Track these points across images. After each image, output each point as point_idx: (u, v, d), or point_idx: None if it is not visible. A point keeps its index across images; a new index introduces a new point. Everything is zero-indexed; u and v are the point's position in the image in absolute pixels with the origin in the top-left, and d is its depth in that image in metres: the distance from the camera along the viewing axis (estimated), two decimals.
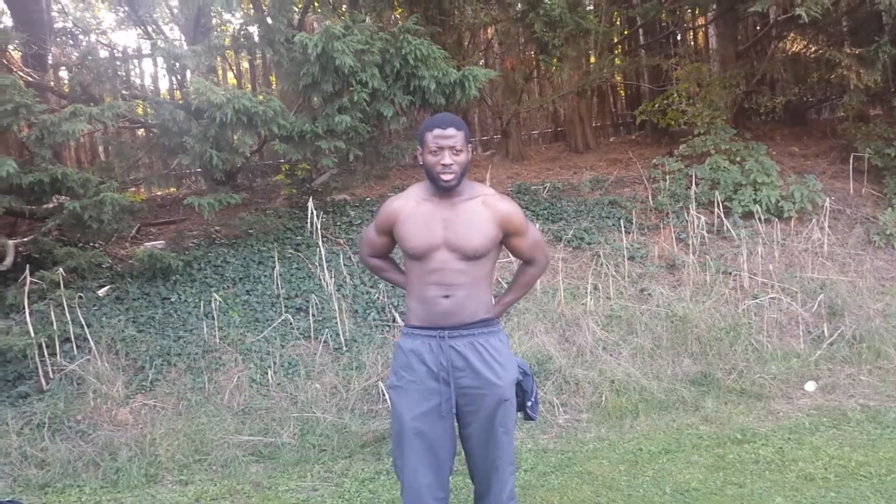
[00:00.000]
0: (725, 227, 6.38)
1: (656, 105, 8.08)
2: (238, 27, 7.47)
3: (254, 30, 6.64)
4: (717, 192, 6.57)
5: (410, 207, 2.83)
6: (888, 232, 6.56)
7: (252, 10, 7.68)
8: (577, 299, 5.65)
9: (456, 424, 2.90)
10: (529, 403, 3.05)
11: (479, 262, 2.79)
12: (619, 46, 9.05)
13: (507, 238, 2.86)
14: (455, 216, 2.77)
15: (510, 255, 3.09)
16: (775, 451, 4.20)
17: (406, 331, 2.88)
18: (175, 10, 7.17)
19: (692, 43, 9.58)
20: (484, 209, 2.79)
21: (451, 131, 2.73)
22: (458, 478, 3.88)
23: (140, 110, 7.26)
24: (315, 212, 5.69)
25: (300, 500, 3.93)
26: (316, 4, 7.54)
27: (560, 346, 5.25)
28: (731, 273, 6.03)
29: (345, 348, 5.21)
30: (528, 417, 3.10)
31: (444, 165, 2.72)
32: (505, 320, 5.42)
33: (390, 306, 5.54)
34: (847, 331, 5.53)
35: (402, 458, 2.81)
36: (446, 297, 2.77)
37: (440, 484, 2.82)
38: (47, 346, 4.80)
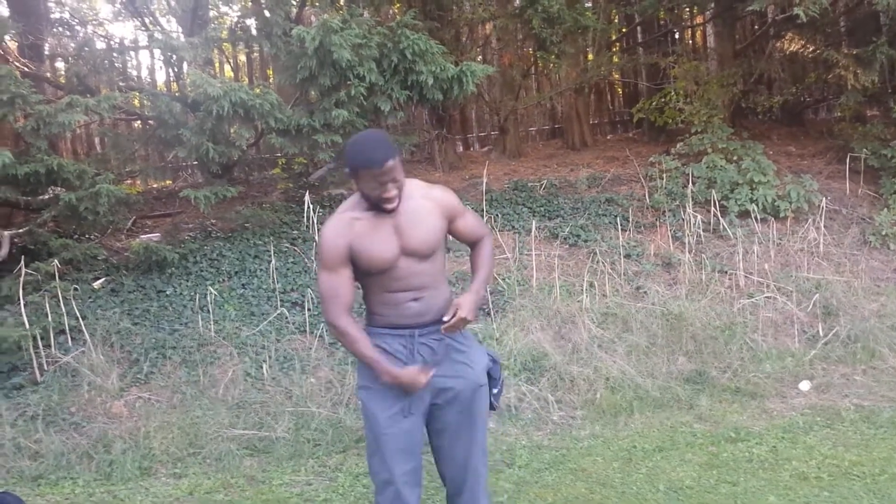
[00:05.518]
0: (721, 226, 6.38)
1: (654, 103, 8.06)
2: (235, 20, 7.46)
3: (251, 22, 6.62)
4: (713, 191, 6.57)
5: (359, 226, 2.71)
6: (884, 232, 6.56)
7: (250, 3, 7.66)
8: (572, 297, 5.65)
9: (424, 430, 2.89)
10: (495, 391, 3.01)
11: (435, 258, 2.78)
12: (617, 44, 9.03)
13: (452, 223, 2.82)
14: (402, 220, 2.70)
15: (459, 242, 2.97)
16: (769, 449, 4.21)
17: (372, 331, 2.81)
18: (172, 2, 7.13)
19: (690, 41, 9.56)
20: (425, 202, 2.75)
21: (389, 164, 2.56)
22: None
23: (137, 102, 7.25)
24: (311, 206, 5.68)
25: (294, 494, 3.93)
26: None
27: (555, 343, 5.25)
28: (726, 272, 6.04)
29: (340, 343, 5.20)
30: (490, 406, 3.08)
31: (388, 198, 2.63)
32: (500, 317, 5.42)
33: None
34: (842, 331, 5.54)
35: (382, 457, 2.77)
36: (415, 300, 2.75)
37: (417, 472, 2.84)
38: (42, 338, 4.79)
